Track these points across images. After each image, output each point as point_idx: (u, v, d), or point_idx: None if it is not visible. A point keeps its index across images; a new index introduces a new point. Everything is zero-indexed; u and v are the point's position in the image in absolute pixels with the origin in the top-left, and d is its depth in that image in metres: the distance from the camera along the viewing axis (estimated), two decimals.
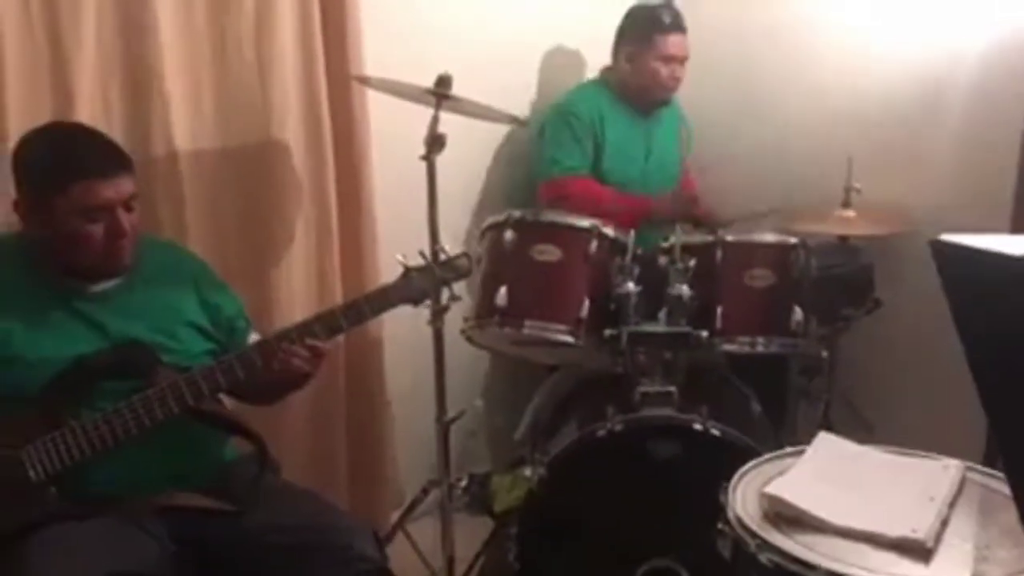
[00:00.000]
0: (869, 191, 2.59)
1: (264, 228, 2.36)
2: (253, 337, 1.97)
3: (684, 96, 2.97)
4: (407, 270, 1.99)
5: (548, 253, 2.33)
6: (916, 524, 1.41)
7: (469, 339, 2.43)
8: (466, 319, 2.39)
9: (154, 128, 2.12)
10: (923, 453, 1.71)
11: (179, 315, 1.90)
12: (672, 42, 2.79)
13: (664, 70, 2.81)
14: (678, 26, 2.81)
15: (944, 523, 1.44)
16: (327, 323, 1.88)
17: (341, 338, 2.41)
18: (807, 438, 1.80)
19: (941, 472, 1.59)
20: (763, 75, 3.01)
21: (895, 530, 1.40)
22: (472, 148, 2.85)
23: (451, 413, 2.34)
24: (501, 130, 2.85)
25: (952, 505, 1.50)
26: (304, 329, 1.86)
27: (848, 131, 2.81)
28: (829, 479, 1.57)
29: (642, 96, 2.89)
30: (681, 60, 2.82)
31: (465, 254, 2.11)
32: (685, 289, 2.27)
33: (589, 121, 2.82)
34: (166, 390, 1.73)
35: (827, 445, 1.71)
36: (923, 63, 2.71)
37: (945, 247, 0.91)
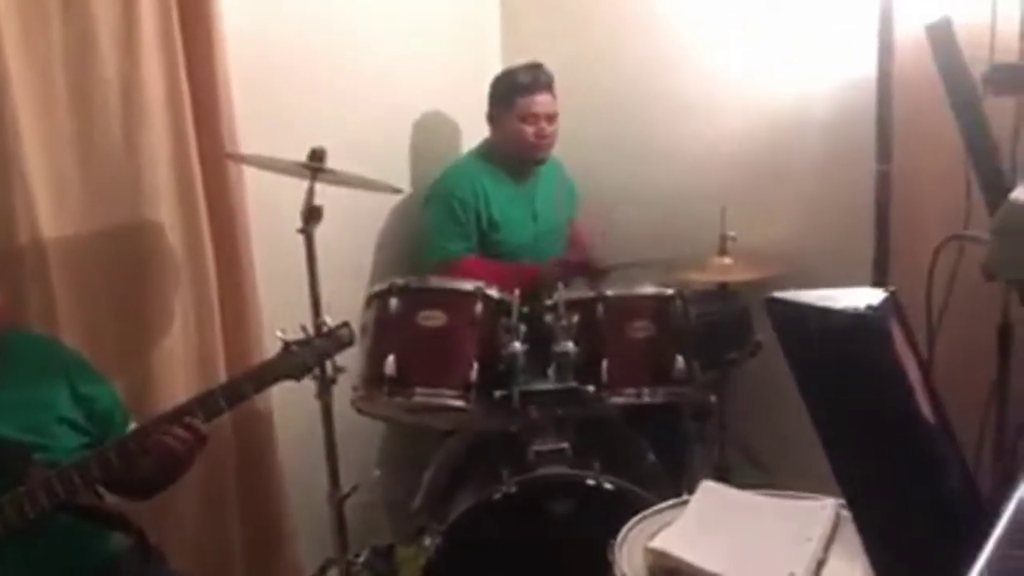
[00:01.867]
0: (744, 237, 2.68)
1: (141, 311, 2.29)
2: (132, 428, 1.91)
3: (563, 152, 3.03)
4: (287, 345, 1.98)
5: (434, 318, 2.34)
6: (794, 566, 1.44)
7: (359, 410, 2.41)
8: (355, 389, 2.37)
9: (17, 215, 2.03)
10: (802, 494, 1.76)
11: (51, 411, 1.84)
12: (533, 102, 2.80)
13: (529, 130, 2.82)
14: (539, 85, 2.82)
15: (820, 563, 1.48)
16: (206, 405, 1.84)
17: (227, 417, 2.37)
18: None
19: (818, 512, 1.64)
20: (635, 129, 3.10)
21: (774, 574, 1.43)
22: (358, 217, 2.84)
23: (346, 487, 2.32)
24: (387, 198, 2.86)
25: (829, 545, 1.55)
26: (181, 412, 1.82)
27: (720, 179, 2.91)
28: (711, 528, 1.60)
29: (515, 159, 2.91)
30: (547, 118, 2.83)
31: (346, 324, 2.10)
32: (570, 345, 2.31)
33: (472, 200, 2.81)
34: (37, 487, 1.66)
35: (710, 494, 1.74)
36: (777, 109, 2.84)
37: (777, 304, 0.95)
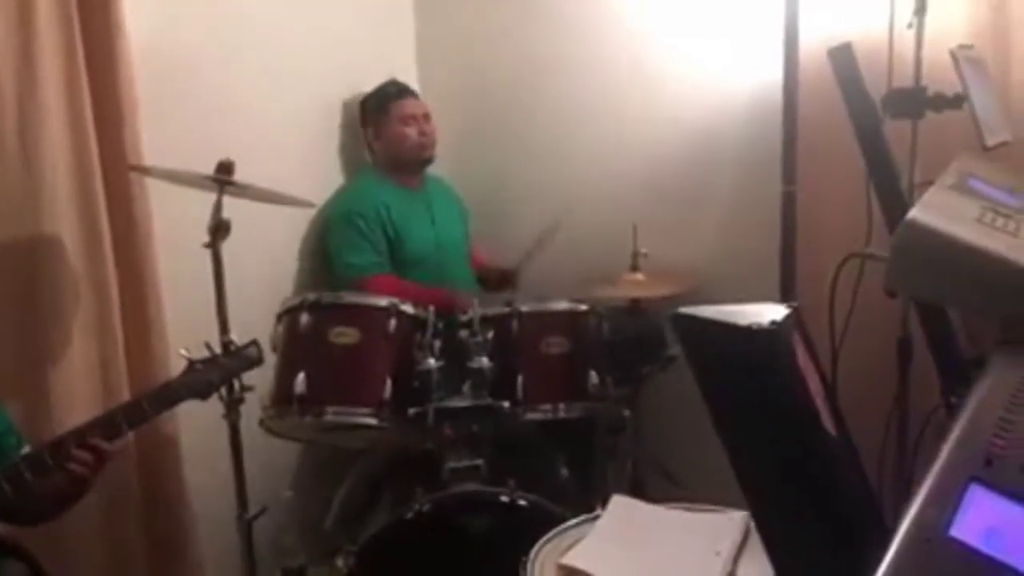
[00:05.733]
0: (655, 254, 2.71)
1: (39, 330, 2.19)
2: (25, 451, 1.83)
3: (466, 175, 3.10)
4: (191, 363, 1.92)
5: (346, 335, 2.31)
6: None
7: (269, 430, 2.36)
8: (264, 408, 2.31)
9: None
10: (713, 506, 1.78)
11: None
12: (407, 103, 2.94)
13: (410, 130, 2.92)
14: (407, 91, 2.97)
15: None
16: (104, 427, 1.77)
17: (131, 438, 2.29)
18: None
19: (727, 524, 1.66)
20: (547, 147, 3.14)
21: None
22: (273, 231, 2.79)
23: (255, 508, 2.26)
24: (303, 212, 2.81)
25: (738, 557, 1.57)
26: (78, 435, 1.74)
27: (631, 197, 2.96)
28: (622, 543, 1.60)
29: (404, 165, 2.96)
30: (424, 117, 2.95)
31: (254, 342, 2.06)
32: (485, 361, 2.31)
33: (375, 215, 2.82)
34: None
35: (620, 509, 1.75)
36: (686, 129, 2.91)
37: (683, 319, 0.96)
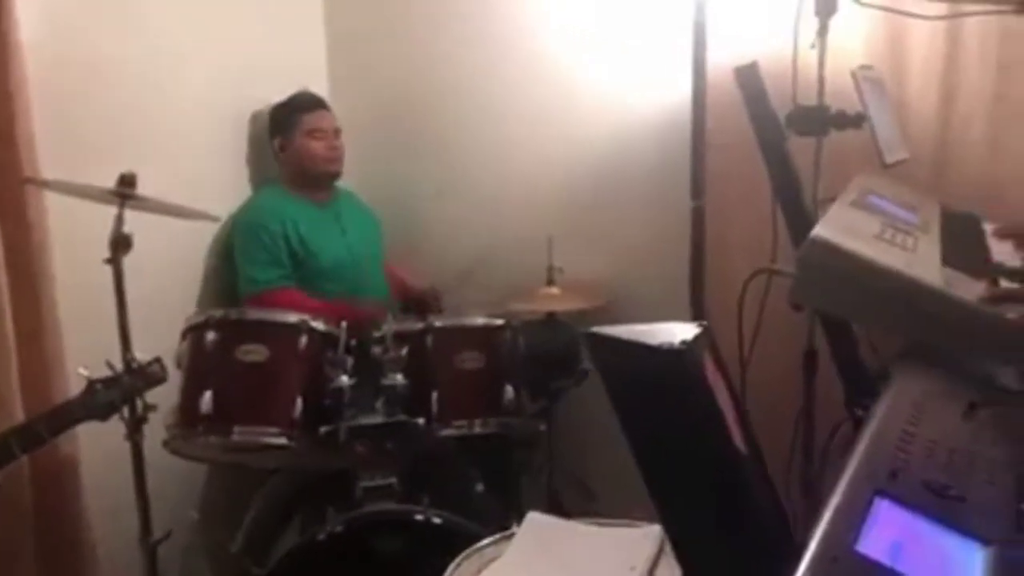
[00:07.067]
0: (570, 268, 2.73)
1: None
2: None
3: (378, 187, 3.08)
4: (91, 383, 1.85)
5: (255, 353, 2.25)
6: None
7: (174, 450, 2.28)
8: (168, 428, 2.24)
9: None
10: (629, 521, 1.78)
11: None
12: (317, 116, 2.88)
13: (317, 144, 2.86)
14: (319, 103, 2.91)
15: None
16: None
17: (25, 465, 2.18)
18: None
19: (642, 539, 1.66)
20: (452, 162, 3.15)
21: None
22: (179, 245, 2.70)
23: (160, 531, 2.18)
24: (209, 226, 2.74)
25: (652, 572, 1.57)
26: None
27: (546, 213, 2.97)
28: (537, 562, 1.60)
29: (311, 178, 2.90)
30: (334, 132, 2.90)
31: (157, 359, 1.99)
32: (399, 378, 2.28)
33: (280, 227, 2.76)
34: None
35: (535, 526, 1.75)
36: (598, 144, 2.93)
37: (596, 339, 0.96)
